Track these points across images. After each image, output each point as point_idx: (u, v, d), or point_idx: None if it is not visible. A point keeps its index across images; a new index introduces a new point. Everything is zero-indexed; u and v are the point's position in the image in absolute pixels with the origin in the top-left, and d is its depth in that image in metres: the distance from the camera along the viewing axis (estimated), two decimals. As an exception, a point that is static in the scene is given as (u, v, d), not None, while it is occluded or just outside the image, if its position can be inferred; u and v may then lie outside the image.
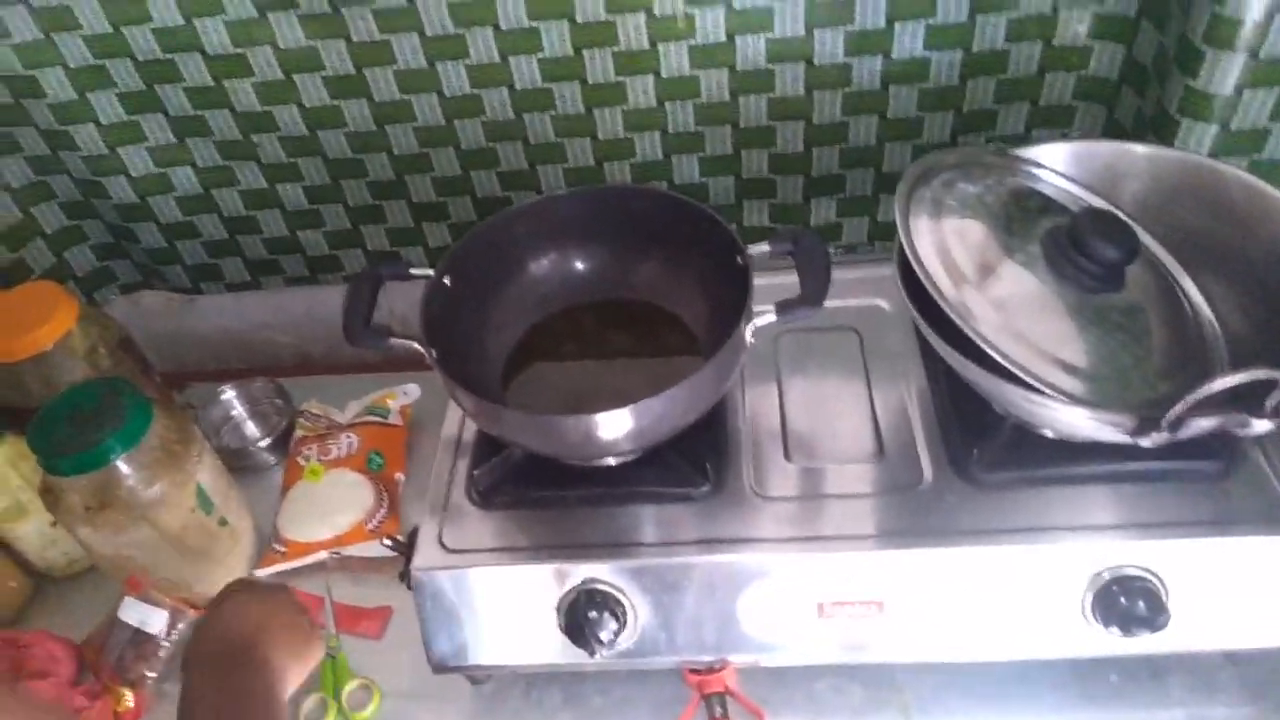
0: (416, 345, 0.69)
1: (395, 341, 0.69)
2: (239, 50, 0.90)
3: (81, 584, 0.88)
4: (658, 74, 0.91)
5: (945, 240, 0.68)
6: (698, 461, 0.70)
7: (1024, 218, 0.70)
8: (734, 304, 0.68)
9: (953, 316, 0.63)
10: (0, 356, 0.82)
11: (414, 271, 0.74)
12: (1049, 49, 0.88)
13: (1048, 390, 0.61)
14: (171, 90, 0.94)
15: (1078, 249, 0.65)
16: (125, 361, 0.88)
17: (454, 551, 0.69)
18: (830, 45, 0.88)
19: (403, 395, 0.95)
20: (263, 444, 0.94)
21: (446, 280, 0.74)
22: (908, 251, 0.66)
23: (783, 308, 0.65)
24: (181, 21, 0.88)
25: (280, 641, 0.60)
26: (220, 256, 1.10)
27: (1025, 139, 0.94)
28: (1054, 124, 0.93)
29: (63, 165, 1.01)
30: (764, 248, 0.70)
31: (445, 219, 1.06)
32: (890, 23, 0.86)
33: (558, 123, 0.96)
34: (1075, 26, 0.86)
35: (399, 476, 0.90)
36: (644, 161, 0.98)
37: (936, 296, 0.64)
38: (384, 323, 0.71)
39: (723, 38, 0.88)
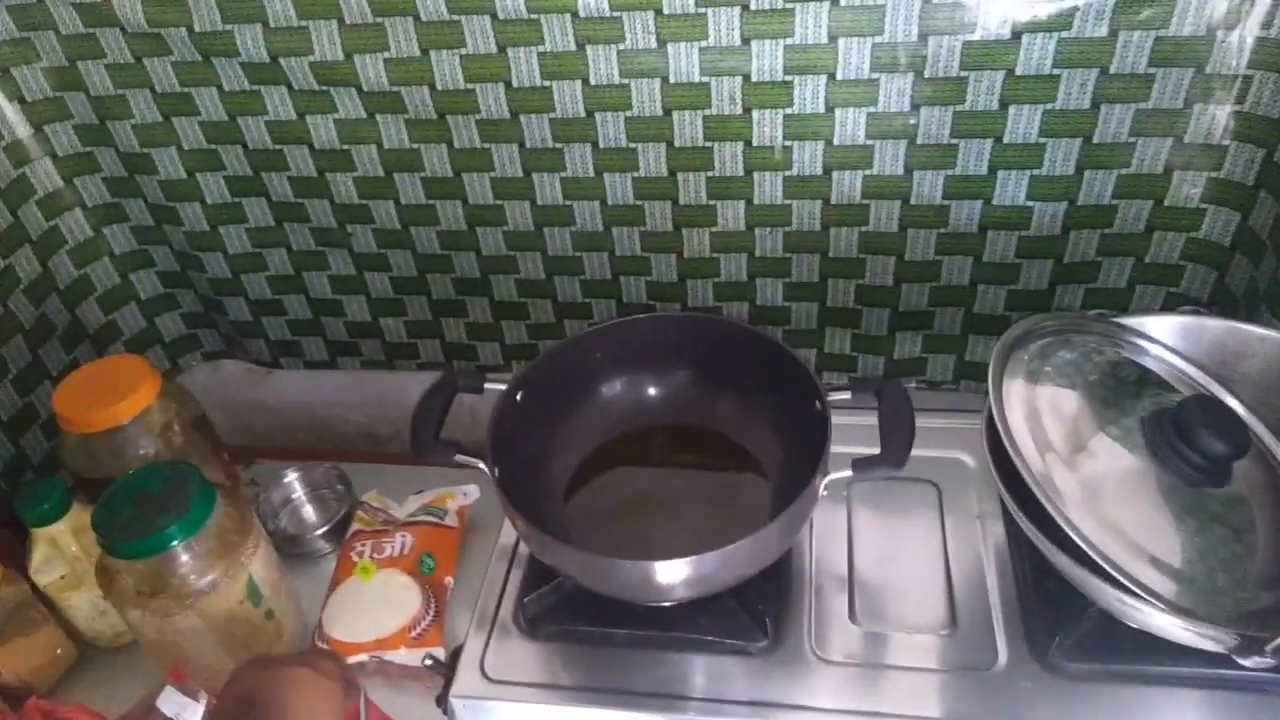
0: (481, 465, 0.68)
1: (461, 458, 0.68)
2: (345, 147, 0.93)
3: (125, 656, 0.87)
4: (749, 200, 0.91)
5: (1038, 409, 0.65)
6: (757, 614, 0.67)
7: (1125, 393, 0.67)
8: (808, 450, 0.65)
9: (1041, 499, 0.60)
10: (79, 426, 0.83)
11: (488, 386, 0.73)
12: (1159, 208, 0.85)
13: (1139, 592, 0.57)
14: (276, 178, 0.97)
15: (1182, 438, 0.61)
16: (197, 441, 0.89)
17: (495, 682, 0.67)
18: (929, 187, 0.87)
19: (461, 496, 0.94)
20: (319, 532, 0.93)
21: (519, 397, 0.73)
22: (997, 420, 0.63)
23: (860, 466, 0.62)
24: (294, 116, 0.91)
25: (296, 702, 0.57)
26: (302, 335, 1.12)
27: (1128, 293, 0.91)
28: (1160, 282, 0.90)
29: (165, 237, 1.05)
30: (845, 395, 0.68)
31: (524, 318, 1.06)
32: (993, 170, 0.84)
33: (645, 238, 0.96)
34: (1188, 189, 0.83)
35: (448, 581, 0.88)
36: (728, 281, 0.98)
37: (1025, 475, 0.60)
38: (452, 437, 0.69)
39: (819, 171, 0.87)
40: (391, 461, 1.05)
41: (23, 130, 0.95)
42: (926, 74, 0.80)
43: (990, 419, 0.63)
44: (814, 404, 0.68)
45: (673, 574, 0.61)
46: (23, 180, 0.96)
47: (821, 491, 0.63)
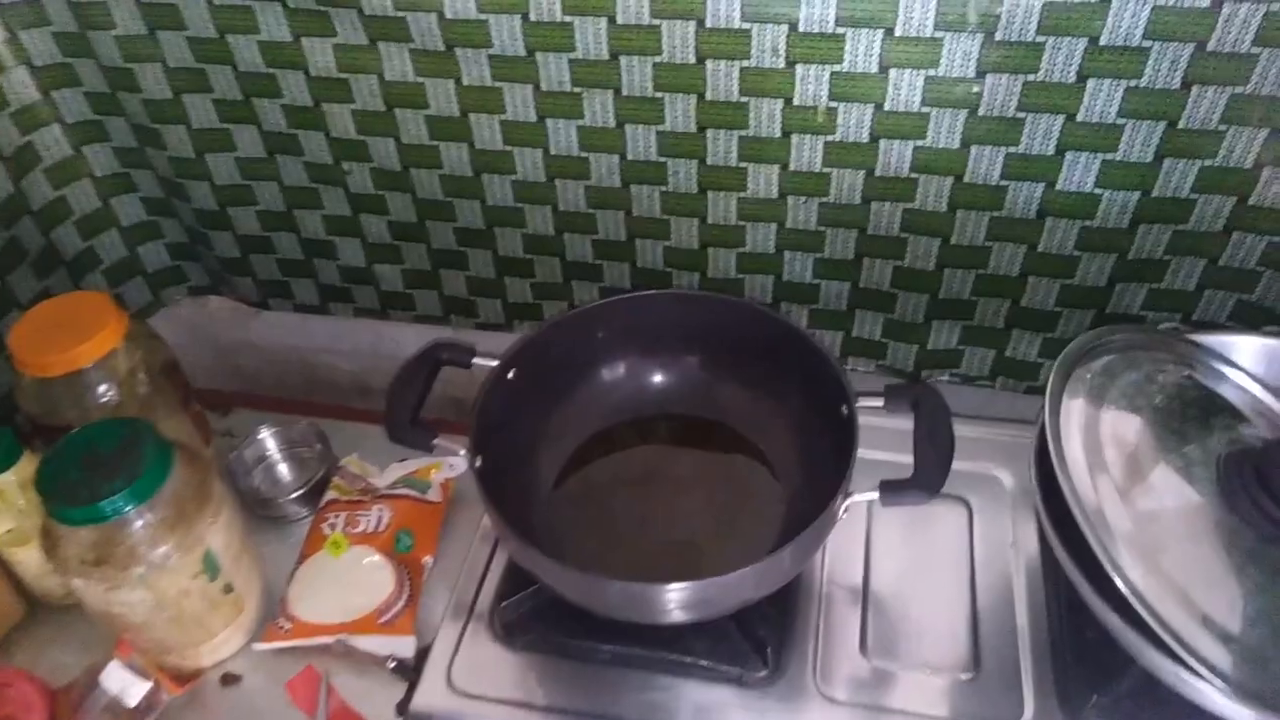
0: (461, 453, 0.60)
1: (440, 445, 0.60)
2: (343, 75, 0.84)
3: (76, 616, 0.81)
4: (785, 165, 0.82)
5: (1098, 434, 0.57)
6: (758, 640, 0.60)
7: (1196, 423, 0.58)
8: (829, 460, 0.58)
9: (1090, 540, 0.52)
10: (35, 369, 0.76)
11: (476, 361, 0.66)
12: (1241, 206, 0.75)
13: (1193, 665, 0.49)
14: (268, 105, 0.88)
15: (1264, 486, 0.53)
16: (165, 389, 0.82)
17: (462, 694, 0.60)
18: (987, 165, 0.77)
19: (448, 468, 0.87)
20: (293, 496, 0.87)
21: (510, 375, 0.65)
22: (1050, 444, 0.55)
23: (889, 491, 0.54)
24: (289, 39, 0.82)
25: None
26: (293, 275, 1.04)
27: (1195, 297, 0.81)
28: (1232, 287, 0.80)
29: (148, 162, 0.97)
30: (876, 402, 0.60)
31: (529, 276, 0.97)
32: (1061, 151, 0.75)
33: (666, 199, 0.87)
34: (1277, 188, 0.73)
35: (427, 560, 0.82)
36: (753, 252, 0.89)
37: (1075, 510, 0.53)
38: (430, 418, 0.62)
39: (865, 138, 0.78)
40: (376, 421, 0.97)
41: (-8, 37, 0.86)
42: (998, 36, 0.70)
43: (1042, 440, 0.55)
44: (840, 409, 0.60)
45: (667, 599, 0.53)
46: (-6, 92, 0.88)
47: (841, 514, 0.55)
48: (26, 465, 0.75)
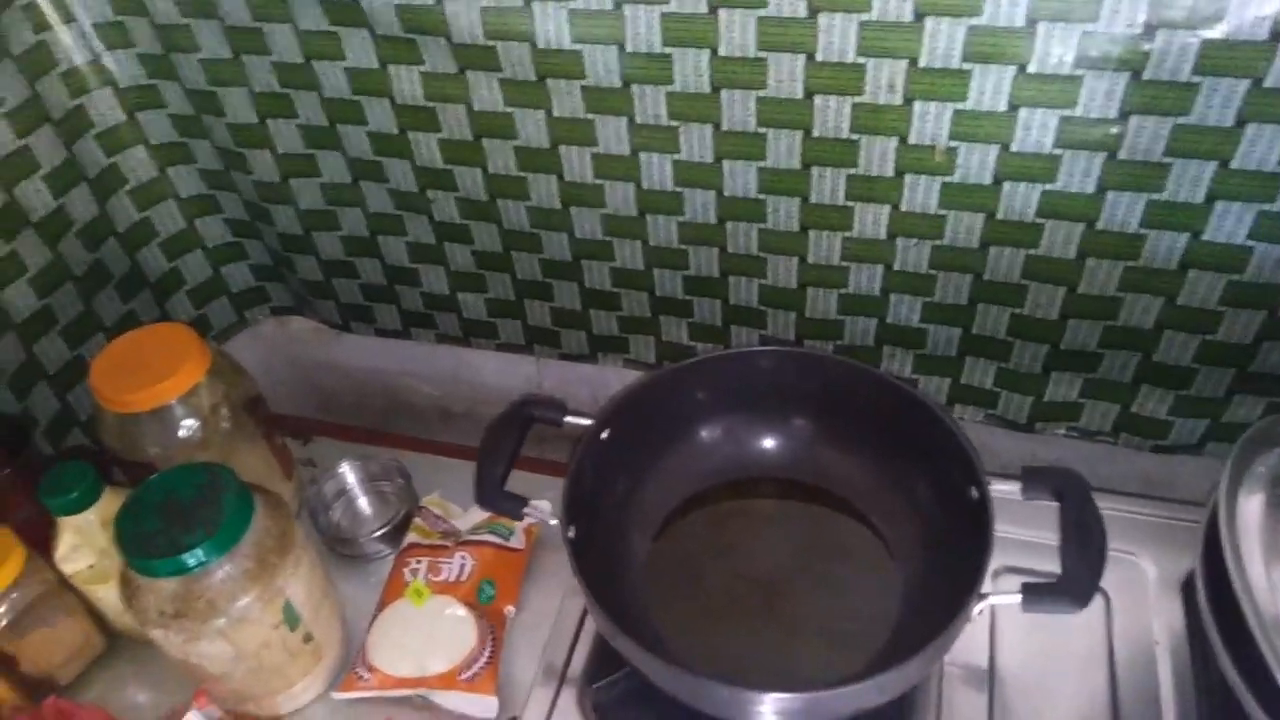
0: (553, 522, 0.57)
1: (530, 513, 0.57)
2: (430, 104, 0.81)
3: (155, 653, 0.80)
4: (895, 206, 0.76)
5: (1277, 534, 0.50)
6: (871, 741, 0.55)
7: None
8: (954, 544, 0.53)
9: (1271, 662, 0.46)
10: (116, 406, 0.74)
11: (568, 420, 0.62)
12: None
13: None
14: (353, 131, 0.85)
15: None
16: (247, 425, 0.80)
17: (550, 780, 0.56)
18: (1124, 211, 0.71)
19: (533, 512, 0.83)
20: (375, 534, 0.84)
21: (605, 435, 0.61)
22: (1225, 544, 0.49)
23: (1034, 596, 0.49)
24: (375, 65, 0.79)
25: None
26: (375, 301, 1.02)
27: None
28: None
29: (233, 184, 0.95)
30: (1012, 486, 0.54)
31: (616, 309, 0.93)
32: (1210, 200, 0.68)
33: (765, 236, 0.82)
34: None
35: (509, 610, 0.78)
36: (856, 294, 0.83)
37: (1256, 632, 0.46)
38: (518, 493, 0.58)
39: (987, 180, 0.72)
40: (459, 456, 0.95)
41: (80, 56, 0.85)
42: (1146, 75, 0.63)
43: (1213, 535, 0.49)
44: (969, 490, 0.54)
45: (777, 707, 0.49)
46: (80, 112, 0.87)
47: (975, 617, 0.50)
48: (108, 501, 0.74)
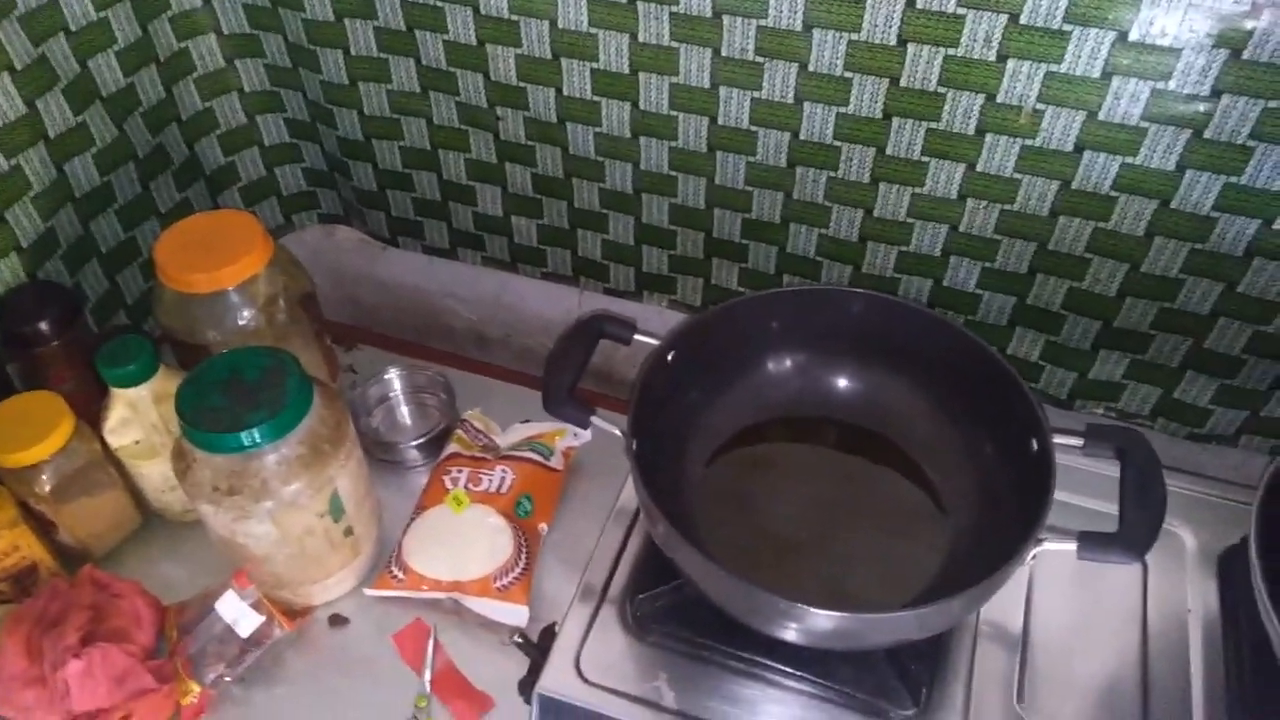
0: (617, 431, 0.57)
1: (598, 422, 0.57)
2: (514, 17, 0.80)
3: (191, 532, 0.81)
4: (971, 165, 0.76)
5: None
6: (910, 675, 0.56)
7: None
8: (1008, 498, 0.53)
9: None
10: (177, 284, 0.75)
11: (638, 338, 0.62)
12: None
13: None
14: (431, 39, 0.85)
15: None
16: (301, 320, 0.80)
17: (591, 683, 0.57)
18: (1200, 192, 0.71)
19: (572, 436, 0.84)
20: (414, 443, 0.85)
21: (670, 356, 0.61)
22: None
23: (1090, 544, 0.50)
24: (463, -29, 0.79)
25: None
26: (427, 216, 1.02)
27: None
28: None
29: (300, 83, 0.95)
30: (1074, 441, 0.55)
31: (670, 248, 0.94)
32: (1295, 185, 0.68)
33: (833, 185, 0.82)
34: None
35: (543, 528, 0.79)
36: (916, 252, 0.84)
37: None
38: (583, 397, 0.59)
39: (1069, 147, 0.72)
40: (499, 377, 0.95)
41: (163, -63, 0.84)
42: (1245, 54, 0.63)
43: (1271, 499, 0.50)
44: (1029, 442, 0.55)
45: (825, 624, 0.50)
46: (157, -8, 0.86)
47: (1029, 561, 0.51)
48: (161, 380, 0.74)
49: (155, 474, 0.77)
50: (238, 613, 0.69)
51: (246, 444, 0.64)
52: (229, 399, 0.65)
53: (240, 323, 0.77)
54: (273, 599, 0.72)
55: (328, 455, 0.68)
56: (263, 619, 0.70)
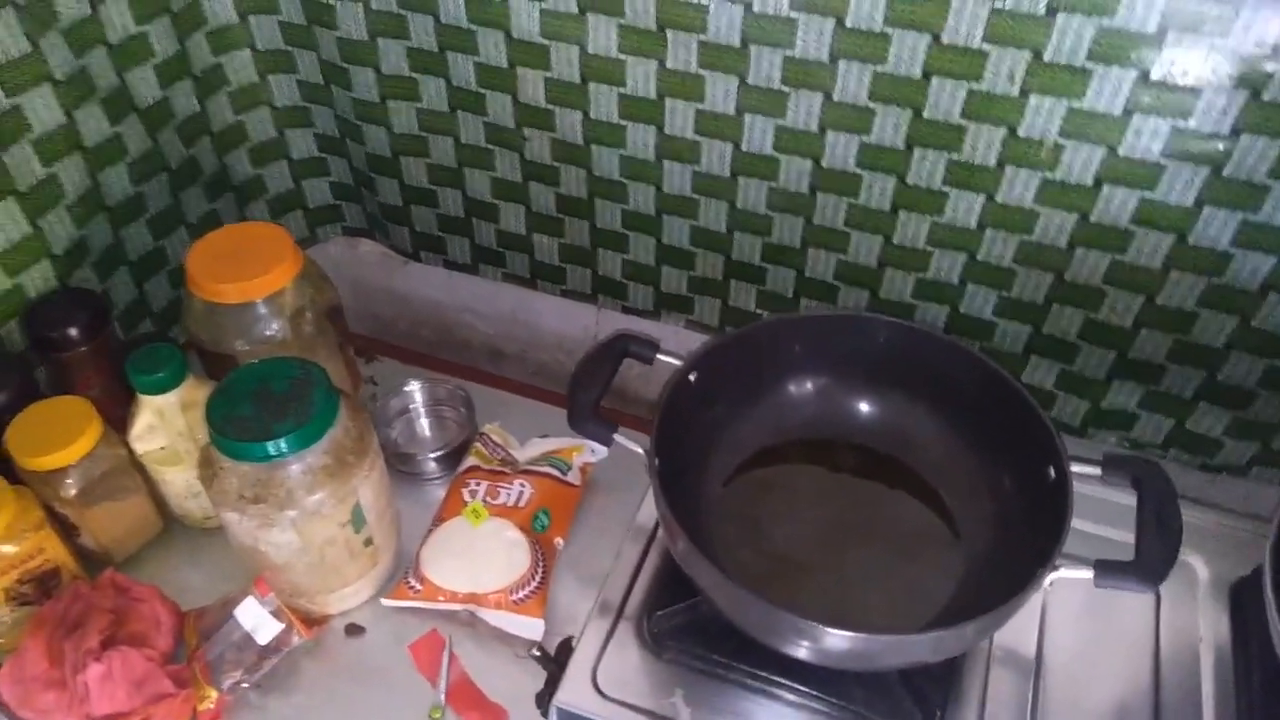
0: (640, 450, 0.58)
1: (621, 440, 0.58)
2: (545, 41, 0.82)
3: (211, 540, 0.82)
4: (991, 197, 0.77)
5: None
6: (923, 698, 0.57)
7: None
8: (1023, 524, 0.54)
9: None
10: (207, 293, 0.76)
11: (660, 358, 0.63)
12: None
13: None
14: (462, 60, 0.87)
15: None
16: (328, 332, 0.82)
17: (607, 698, 0.58)
18: (1218, 228, 0.72)
19: (589, 452, 0.85)
20: (434, 455, 0.86)
21: (693, 377, 0.63)
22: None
23: (1106, 572, 0.51)
24: (496, -4, 0.80)
25: None
26: (449, 233, 1.03)
27: None
28: None
29: (331, 99, 0.96)
30: (1092, 470, 0.56)
31: (689, 269, 0.95)
32: (1313, 222, 0.69)
33: (854, 211, 0.83)
34: None
35: (559, 542, 0.80)
36: (934, 280, 0.85)
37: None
38: (609, 415, 0.60)
39: (1088, 181, 0.73)
40: (517, 392, 0.97)
41: (204, -44, 0.86)
42: (1266, 95, 0.64)
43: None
44: (1047, 470, 0.56)
45: (839, 644, 0.50)
46: (196, 7, 0.88)
47: (1045, 587, 0.52)
48: (188, 388, 0.76)
49: (178, 481, 0.78)
50: (257, 620, 0.70)
51: (273, 453, 0.65)
52: (257, 408, 0.66)
53: (268, 334, 0.78)
54: (291, 607, 0.73)
55: (352, 466, 0.69)
56: (282, 626, 0.70)
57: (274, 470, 0.66)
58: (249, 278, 0.76)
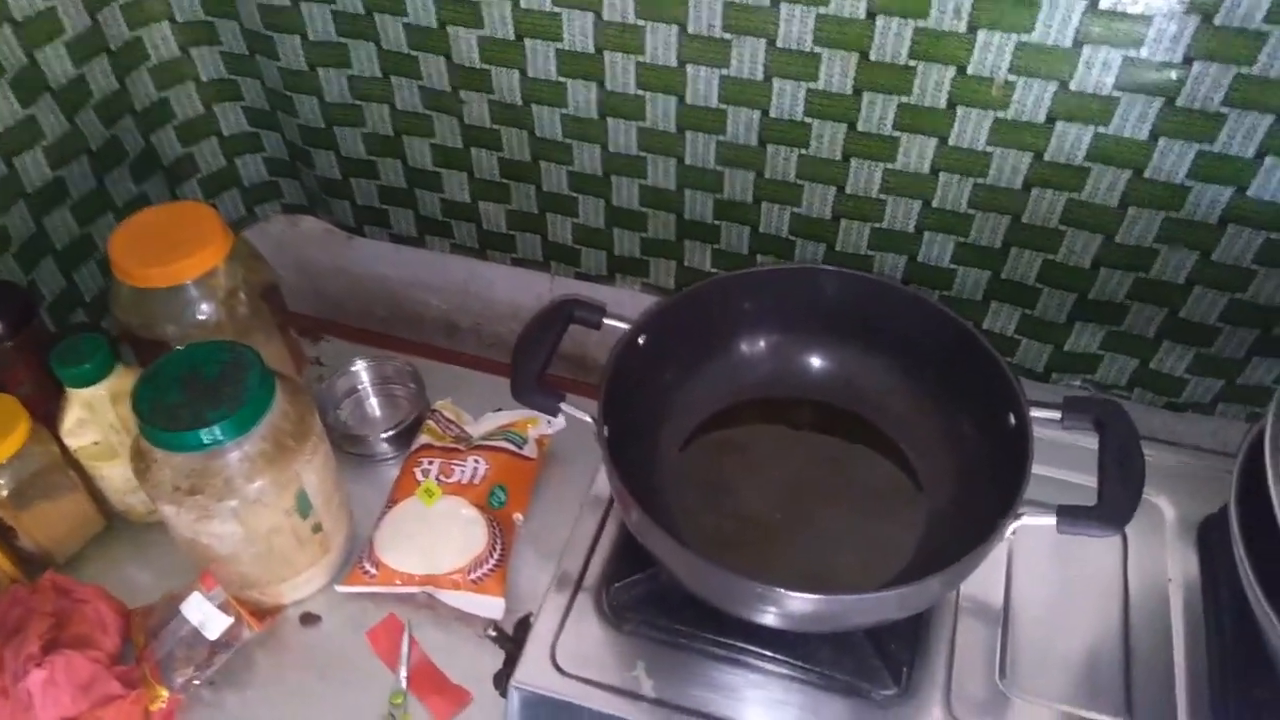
0: (588, 418, 0.56)
1: (567, 409, 0.56)
2: (474, -2, 0.78)
3: (156, 534, 0.79)
4: (943, 139, 0.75)
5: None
6: (890, 656, 0.56)
7: None
8: (985, 474, 0.52)
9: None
10: (134, 279, 0.73)
11: (608, 322, 0.61)
12: None
13: None
14: (391, 22, 0.83)
15: None
16: (264, 313, 0.79)
17: (567, 675, 0.56)
18: (1173, 161, 0.70)
19: (545, 424, 0.82)
20: (384, 435, 0.83)
21: (641, 340, 0.60)
22: (1270, 472, 0.48)
23: (1069, 517, 0.49)
24: (420, -49, 0.77)
25: None
26: (393, 204, 1.00)
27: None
28: None
29: (257, 70, 0.92)
30: (1052, 415, 0.54)
31: (641, 230, 0.92)
32: (1261, 155, 0.68)
33: (804, 163, 0.81)
34: None
35: (517, 517, 0.78)
36: (889, 229, 0.82)
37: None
38: (556, 382, 0.57)
39: (1041, 119, 0.71)
40: (470, 365, 0.94)
41: (111, -79, 0.81)
42: (1218, 20, 0.62)
43: (1250, 468, 0.49)
44: (1007, 417, 0.54)
45: (801, 607, 0.49)
46: (106, -20, 0.83)
47: (1008, 536, 0.50)
48: (119, 378, 0.72)
49: (116, 476, 0.75)
50: (204, 615, 0.68)
51: (207, 442, 0.62)
52: (188, 396, 0.63)
53: (200, 317, 0.75)
54: (241, 599, 0.71)
55: (292, 451, 0.66)
56: (231, 620, 0.68)
57: (210, 459, 0.63)
58: (176, 260, 0.73)
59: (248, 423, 0.63)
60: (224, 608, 0.68)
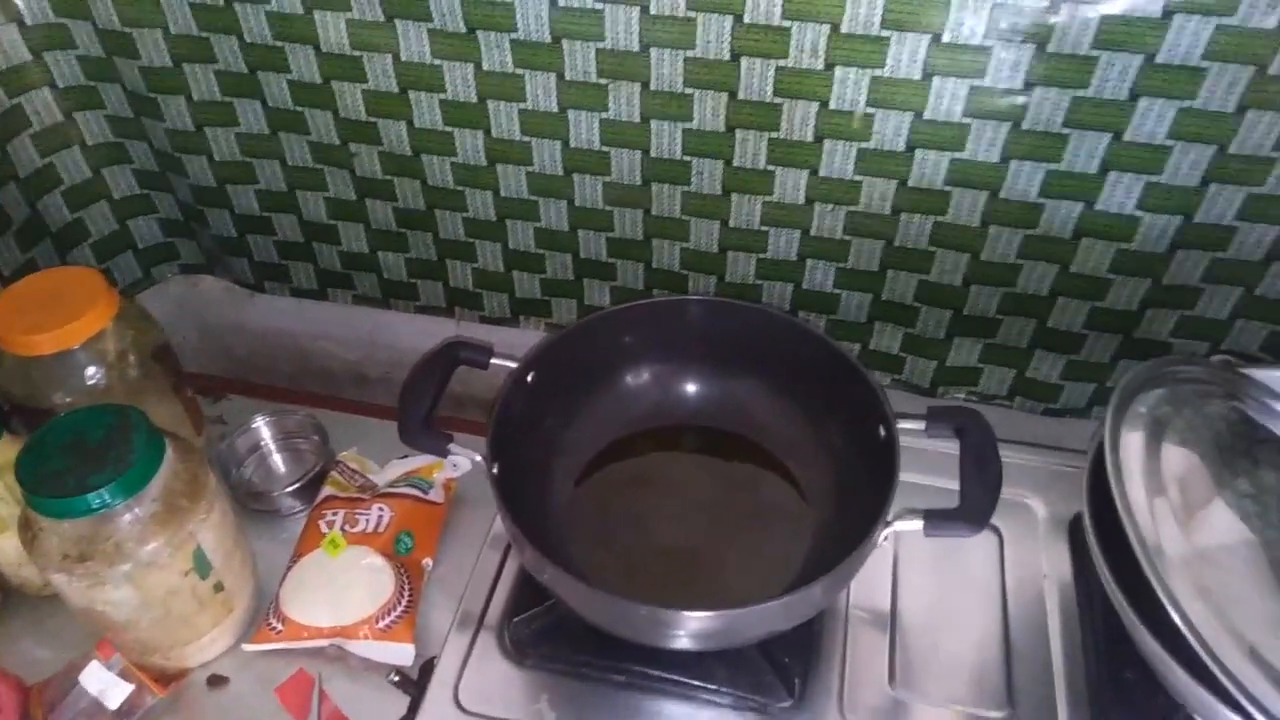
0: (478, 458, 0.57)
1: (455, 450, 0.57)
2: (355, 53, 0.80)
3: (54, 608, 0.77)
4: (815, 171, 0.79)
5: (1154, 468, 0.54)
6: (783, 669, 0.57)
7: (1253, 459, 0.56)
8: (863, 484, 0.55)
9: (1149, 576, 0.50)
10: (17, 348, 0.72)
11: (495, 362, 0.62)
12: (1286, 242, 0.73)
13: (1245, 705, 0.47)
14: (275, 79, 0.84)
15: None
16: (156, 374, 0.78)
17: (471, 715, 0.57)
18: (1025, 180, 0.75)
19: (450, 468, 0.82)
20: (288, 489, 0.83)
21: (529, 379, 0.62)
22: (1110, 472, 0.52)
23: (935, 521, 0.52)
24: (300, 10, 0.78)
25: None
26: (291, 259, 1.00)
27: (1226, 326, 0.80)
28: (1266, 318, 0.79)
29: (144, 132, 0.92)
30: (916, 425, 0.57)
31: (540, 271, 0.94)
32: (1104, 170, 0.73)
33: (688, 199, 0.84)
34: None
35: (426, 563, 0.78)
36: (774, 259, 0.86)
37: (1136, 546, 0.50)
38: (444, 425, 0.58)
39: (901, 147, 0.75)
40: (376, 415, 0.94)
41: (-17, -8, 0.81)
42: (1050, 48, 0.67)
43: (1096, 471, 0.53)
44: (877, 430, 0.57)
45: (693, 625, 0.50)
46: (-19, 51, 0.83)
47: (880, 543, 0.53)
48: (5, 448, 0.71)
49: (8, 548, 0.74)
50: (104, 683, 0.66)
51: (95, 506, 0.61)
52: (73, 462, 0.62)
53: (89, 382, 0.74)
54: (143, 665, 0.70)
55: (186, 510, 0.66)
56: (131, 687, 0.67)
57: (99, 524, 0.63)
58: (60, 325, 0.72)
59: (135, 485, 0.62)
60: (124, 675, 0.67)
